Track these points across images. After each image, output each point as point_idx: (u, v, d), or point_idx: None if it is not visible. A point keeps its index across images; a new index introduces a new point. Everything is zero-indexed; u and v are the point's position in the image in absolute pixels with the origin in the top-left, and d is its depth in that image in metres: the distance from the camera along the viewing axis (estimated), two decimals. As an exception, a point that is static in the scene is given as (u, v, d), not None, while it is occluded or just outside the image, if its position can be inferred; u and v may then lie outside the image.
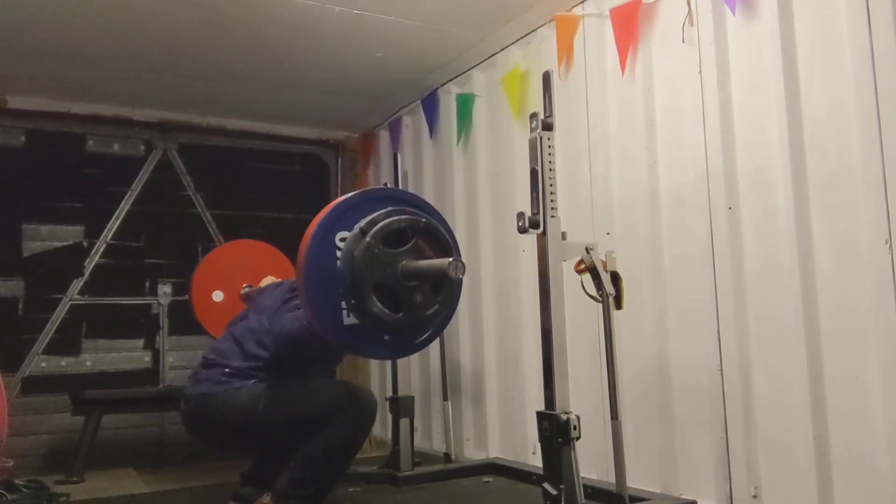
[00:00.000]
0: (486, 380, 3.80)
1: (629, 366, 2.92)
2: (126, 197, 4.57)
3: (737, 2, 2.55)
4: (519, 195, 3.49)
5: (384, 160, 4.90)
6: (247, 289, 3.57)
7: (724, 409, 2.57)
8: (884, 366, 2.13)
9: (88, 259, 4.44)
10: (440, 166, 4.25)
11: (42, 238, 4.35)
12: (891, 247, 2.10)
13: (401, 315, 2.32)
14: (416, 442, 3.66)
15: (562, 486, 2.22)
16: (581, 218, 3.15)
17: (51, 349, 4.29)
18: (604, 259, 2.56)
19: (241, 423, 2.64)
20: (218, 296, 3.83)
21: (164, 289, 4.58)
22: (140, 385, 4.45)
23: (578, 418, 2.28)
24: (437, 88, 4.24)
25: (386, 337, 2.40)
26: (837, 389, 2.26)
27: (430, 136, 4.29)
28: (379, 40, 3.66)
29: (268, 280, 3.32)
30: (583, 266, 2.54)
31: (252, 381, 2.68)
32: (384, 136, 4.93)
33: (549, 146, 2.39)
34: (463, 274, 2.26)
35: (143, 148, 4.67)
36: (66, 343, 4.33)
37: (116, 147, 4.61)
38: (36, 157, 4.37)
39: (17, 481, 3.31)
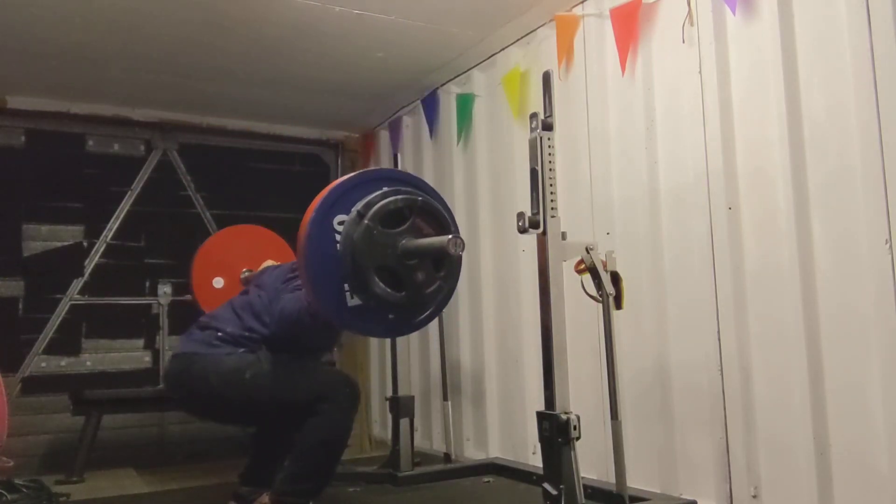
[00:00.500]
0: (486, 380, 3.80)
1: (629, 366, 2.92)
2: (126, 197, 4.57)
3: (737, 2, 2.55)
4: (519, 195, 3.49)
5: (384, 160, 4.90)
6: (246, 273, 3.57)
7: (724, 409, 2.58)
8: (884, 366, 2.13)
9: (88, 259, 4.44)
10: (440, 166, 4.25)
11: (42, 238, 4.35)
12: (891, 247, 2.10)
13: (403, 294, 2.32)
14: (416, 442, 3.66)
15: (562, 486, 2.22)
16: (581, 218, 3.15)
17: (51, 349, 4.29)
18: (604, 259, 2.56)
19: (224, 389, 2.62)
20: (218, 282, 3.81)
21: (164, 289, 4.58)
22: (140, 385, 4.44)
23: (578, 418, 2.28)
24: (437, 88, 4.24)
25: (390, 316, 2.40)
26: (837, 389, 2.26)
27: (430, 136, 4.29)
28: (379, 40, 3.66)
29: (267, 264, 3.31)
30: (583, 266, 2.54)
31: (242, 350, 2.66)
32: (384, 136, 4.93)
33: (549, 146, 2.39)
34: (462, 250, 2.27)
35: (143, 148, 4.67)
36: (66, 343, 4.33)
37: (116, 147, 4.60)
38: (36, 157, 4.37)
39: (17, 481, 3.31)
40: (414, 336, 4.23)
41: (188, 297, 4.12)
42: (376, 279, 2.27)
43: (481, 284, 3.85)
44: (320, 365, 2.78)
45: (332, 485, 3.23)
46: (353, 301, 2.33)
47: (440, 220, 2.43)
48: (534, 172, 2.37)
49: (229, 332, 2.71)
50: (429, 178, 4.34)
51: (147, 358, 4.53)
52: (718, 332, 2.60)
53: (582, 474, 2.27)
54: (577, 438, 2.26)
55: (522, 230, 2.36)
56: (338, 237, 2.31)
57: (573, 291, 2.54)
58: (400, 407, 3.54)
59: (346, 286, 2.31)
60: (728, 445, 2.56)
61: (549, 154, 2.38)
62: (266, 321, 2.72)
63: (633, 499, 2.58)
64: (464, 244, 2.28)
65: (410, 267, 2.33)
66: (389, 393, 3.77)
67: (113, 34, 3.50)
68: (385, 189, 2.38)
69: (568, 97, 3.29)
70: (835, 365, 2.27)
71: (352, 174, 2.45)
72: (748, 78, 2.57)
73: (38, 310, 4.29)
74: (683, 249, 2.77)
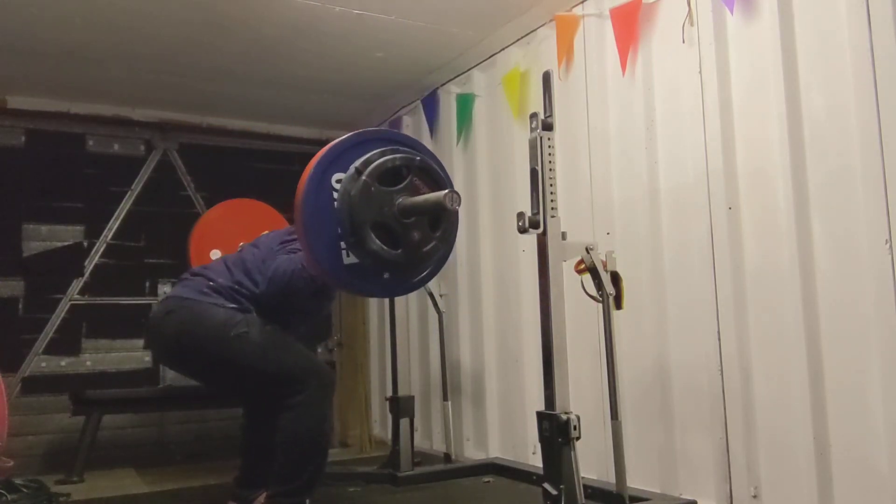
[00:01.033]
0: (486, 380, 3.80)
1: (629, 366, 2.92)
2: (126, 197, 4.57)
3: (736, 2, 2.55)
4: (519, 195, 3.49)
5: (384, 160, 4.90)
6: (243, 246, 3.54)
7: (724, 409, 2.58)
8: (884, 366, 2.13)
9: (88, 259, 4.44)
10: (440, 166, 4.25)
11: (42, 238, 4.35)
12: (891, 247, 2.10)
13: (399, 252, 2.32)
14: (416, 442, 3.66)
15: (562, 486, 2.22)
16: (581, 218, 3.15)
17: (51, 349, 4.29)
18: (604, 259, 2.56)
19: (205, 343, 2.60)
20: (216, 254, 3.80)
21: (164, 289, 4.57)
22: (140, 385, 4.44)
23: (578, 418, 2.28)
24: (437, 88, 4.24)
25: (385, 275, 2.39)
26: (837, 389, 2.26)
27: (431, 136, 4.28)
28: (379, 40, 3.67)
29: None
30: (583, 266, 2.54)
31: (232, 306, 2.64)
32: (384, 136, 4.92)
33: (549, 146, 2.39)
34: (459, 205, 2.27)
35: (143, 148, 4.67)
36: (66, 343, 4.33)
37: (116, 147, 4.60)
38: (36, 157, 4.37)
39: (17, 481, 3.31)
40: (414, 336, 4.23)
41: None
42: (372, 235, 2.26)
43: (481, 284, 3.85)
44: (304, 348, 2.75)
45: (332, 485, 3.25)
46: (349, 259, 2.32)
47: (437, 180, 2.42)
48: (534, 172, 2.37)
49: (220, 283, 2.68)
50: (429, 178, 4.34)
51: (147, 358, 4.52)
52: (718, 332, 2.60)
53: (582, 474, 2.27)
54: (577, 438, 2.27)
55: (522, 230, 2.36)
56: (335, 195, 2.31)
57: (573, 291, 2.54)
58: (400, 407, 3.54)
59: (343, 244, 2.30)
60: (728, 445, 2.56)
61: (549, 154, 2.38)
62: (257, 279, 2.69)
63: (633, 499, 2.58)
64: (460, 199, 2.27)
65: (407, 226, 2.33)
66: (389, 393, 3.77)
67: (113, 34, 3.50)
68: (384, 148, 2.38)
69: (568, 97, 3.29)
70: (835, 365, 2.27)
71: (350, 134, 2.44)
72: (748, 78, 2.57)
73: (38, 310, 4.29)
74: (683, 249, 2.77)
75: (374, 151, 2.35)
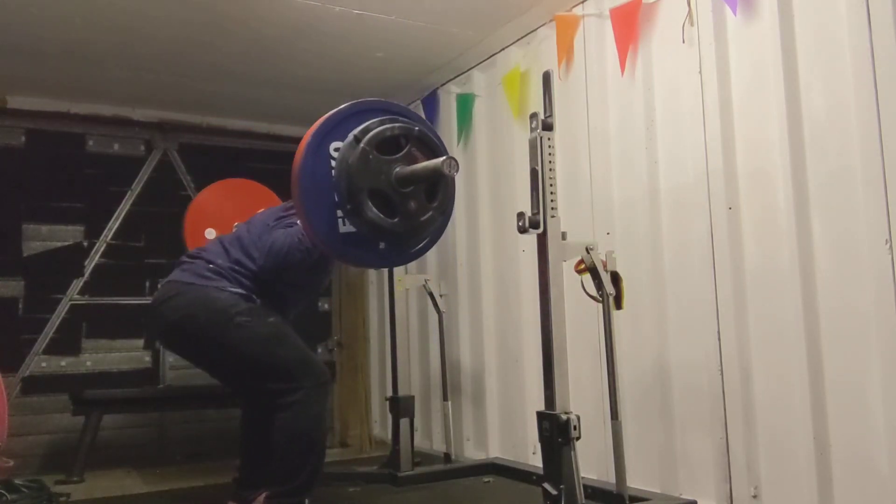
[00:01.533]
0: (486, 380, 3.80)
1: (629, 366, 2.92)
2: (126, 197, 4.57)
3: (737, 2, 2.55)
4: (519, 195, 3.49)
5: (384, 160, 4.90)
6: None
7: (724, 409, 2.58)
8: (884, 366, 2.13)
9: (88, 259, 4.44)
10: (440, 166, 4.25)
11: (42, 238, 4.35)
12: (891, 247, 2.11)
13: (396, 220, 2.32)
14: (416, 442, 3.66)
15: (562, 486, 2.22)
16: (581, 218, 3.15)
17: (51, 349, 4.28)
18: (604, 259, 2.56)
19: (206, 328, 2.59)
20: (211, 233, 3.80)
21: (165, 288, 4.58)
22: (140, 385, 4.44)
23: (578, 418, 2.28)
24: (437, 88, 4.24)
25: (381, 245, 2.39)
26: (837, 389, 2.26)
27: (430, 136, 4.28)
28: (379, 40, 3.66)
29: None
30: (583, 266, 2.54)
31: (235, 290, 2.63)
32: (384, 135, 4.92)
33: (549, 146, 2.39)
34: (457, 171, 2.26)
35: (143, 148, 4.67)
36: (66, 343, 4.33)
37: (116, 147, 4.60)
38: (36, 157, 4.37)
39: (17, 481, 3.31)
40: (414, 336, 4.23)
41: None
42: (369, 203, 2.26)
43: (481, 284, 3.85)
44: (303, 344, 2.75)
45: (332, 485, 3.25)
46: (346, 228, 2.32)
47: (435, 151, 2.41)
48: (534, 172, 2.37)
49: (219, 265, 2.67)
50: (429, 178, 4.34)
51: (147, 358, 4.52)
52: (718, 332, 2.60)
53: (582, 474, 2.28)
54: (577, 438, 2.27)
55: (522, 230, 2.36)
56: (333, 164, 2.31)
57: (573, 291, 2.54)
58: (400, 407, 3.54)
59: (339, 213, 2.30)
60: (728, 445, 2.56)
61: (549, 154, 2.38)
62: (254, 256, 2.68)
63: (633, 499, 2.58)
64: (458, 165, 2.26)
65: (404, 195, 2.32)
66: (389, 393, 3.76)
67: (113, 34, 3.50)
68: (382, 117, 2.38)
69: (568, 97, 3.29)
70: (835, 365, 2.27)
71: (348, 104, 2.43)
72: (748, 78, 2.57)
73: (38, 310, 4.29)
74: (683, 249, 2.77)
75: (373, 120, 2.35)
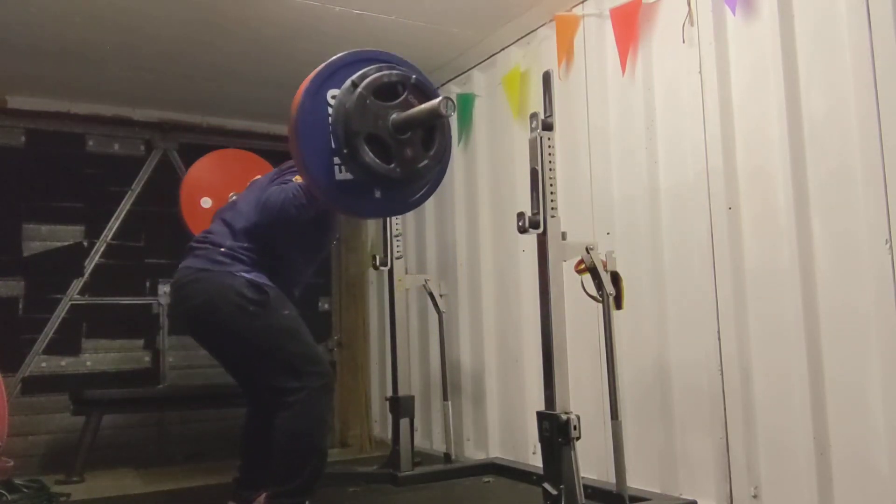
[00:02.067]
0: (486, 380, 3.80)
1: (629, 366, 2.92)
2: (126, 197, 4.57)
3: (737, 2, 2.55)
4: (519, 195, 3.49)
5: (384, 160, 4.90)
6: (234, 196, 3.51)
7: (724, 409, 2.58)
8: (884, 366, 2.13)
9: (88, 259, 4.44)
10: (440, 166, 4.25)
11: (42, 238, 4.35)
12: (891, 247, 2.10)
13: (392, 166, 2.32)
14: (416, 442, 3.66)
15: (562, 486, 2.23)
16: (581, 218, 3.15)
17: (51, 349, 4.29)
18: (604, 259, 2.56)
19: (224, 316, 2.58)
20: (206, 202, 3.78)
21: (164, 289, 4.57)
22: (140, 385, 4.44)
23: (578, 418, 2.28)
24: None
25: (377, 194, 2.39)
26: (837, 389, 2.26)
27: (430, 136, 4.28)
28: (379, 40, 3.65)
29: (256, 179, 3.26)
30: (583, 266, 2.55)
31: (249, 273, 2.61)
32: (384, 135, 4.92)
33: (549, 146, 2.39)
34: (454, 111, 2.27)
35: (143, 148, 4.67)
36: (66, 343, 4.33)
37: (116, 147, 4.60)
38: (36, 157, 4.37)
39: (17, 481, 3.31)
40: (414, 336, 4.23)
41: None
42: (366, 147, 2.27)
43: (481, 284, 3.85)
44: (313, 342, 2.75)
45: (332, 485, 3.25)
46: (342, 175, 2.32)
47: (431, 98, 2.40)
48: (534, 172, 2.37)
49: (228, 246, 2.66)
50: (429, 178, 4.34)
51: (147, 358, 4.52)
52: (718, 331, 2.60)
53: (582, 474, 2.28)
54: (577, 438, 2.27)
55: (522, 230, 2.36)
56: (330, 110, 2.32)
57: (573, 291, 2.54)
58: (400, 407, 3.54)
59: (336, 160, 2.31)
60: (728, 445, 2.56)
61: (549, 154, 2.38)
62: (253, 218, 2.69)
63: (633, 499, 2.58)
64: (455, 105, 2.27)
65: (401, 141, 2.33)
66: (389, 393, 3.76)
67: (113, 34, 3.50)
68: (380, 65, 2.39)
69: (568, 97, 3.29)
70: (835, 365, 2.27)
71: (346, 52, 2.44)
72: (748, 78, 2.57)
73: (38, 310, 4.29)
74: (683, 249, 2.77)
75: (370, 67, 2.36)
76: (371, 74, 2.33)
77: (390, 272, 3.67)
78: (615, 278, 2.58)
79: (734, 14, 2.57)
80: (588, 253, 2.51)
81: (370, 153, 2.27)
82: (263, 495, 2.66)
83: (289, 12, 3.32)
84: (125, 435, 4.35)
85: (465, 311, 3.97)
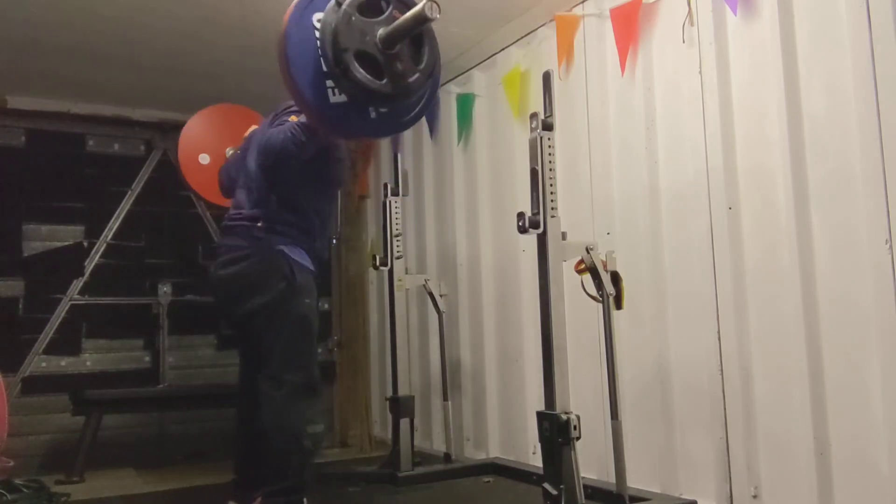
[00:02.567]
0: (486, 380, 3.80)
1: (629, 366, 2.92)
2: (126, 197, 4.58)
3: (737, 2, 2.55)
4: (519, 195, 3.48)
5: (384, 160, 4.89)
6: (231, 151, 3.47)
7: (724, 409, 2.57)
8: (884, 365, 2.13)
9: (88, 259, 4.45)
10: (440, 166, 4.25)
11: (42, 238, 4.35)
12: (891, 246, 2.11)
13: (384, 82, 2.32)
14: (416, 442, 3.66)
15: (562, 486, 2.23)
16: (581, 218, 3.15)
17: (51, 349, 4.29)
18: (604, 259, 2.56)
19: (255, 291, 2.65)
20: (205, 158, 3.78)
21: (164, 289, 4.58)
22: (140, 385, 4.44)
23: (578, 418, 2.28)
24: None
25: (372, 114, 2.40)
26: (837, 388, 2.26)
27: (431, 136, 4.29)
28: (379, 40, 3.66)
29: (252, 129, 3.20)
30: (583, 266, 2.55)
31: (288, 245, 2.67)
32: (384, 135, 4.92)
33: (550, 146, 2.40)
34: (439, 13, 2.24)
35: (143, 148, 4.68)
36: (66, 343, 4.33)
37: (116, 147, 4.61)
38: (36, 157, 4.37)
39: (17, 481, 3.31)
40: (414, 336, 4.23)
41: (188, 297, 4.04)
42: (356, 64, 2.26)
43: (481, 284, 3.85)
44: (315, 348, 2.78)
45: (333, 485, 3.25)
46: (336, 98, 2.33)
47: None
48: (534, 172, 2.37)
49: (256, 215, 2.70)
50: (429, 178, 4.35)
51: (147, 358, 4.53)
52: (718, 331, 2.60)
53: (582, 474, 2.28)
54: (577, 438, 2.27)
55: (522, 230, 2.36)
56: (317, 33, 2.32)
57: (573, 291, 2.54)
58: (400, 407, 3.54)
59: (329, 83, 2.31)
60: (728, 445, 2.56)
61: (549, 154, 2.38)
62: (258, 161, 2.73)
63: (633, 499, 2.58)
64: (440, 8, 2.24)
65: (390, 56, 2.33)
66: (389, 393, 3.76)
67: (114, 34, 3.50)
68: None
69: (568, 97, 3.29)
70: (835, 364, 2.27)
71: None
72: (748, 77, 2.57)
73: (38, 310, 4.29)
74: (683, 249, 2.77)
75: None
76: None
77: (390, 272, 3.67)
78: (615, 278, 2.58)
79: (734, 14, 2.57)
80: (588, 253, 2.51)
81: (361, 70, 2.27)
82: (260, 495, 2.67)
83: (289, 12, 3.31)
84: (125, 435, 4.35)
85: (465, 311, 3.97)
